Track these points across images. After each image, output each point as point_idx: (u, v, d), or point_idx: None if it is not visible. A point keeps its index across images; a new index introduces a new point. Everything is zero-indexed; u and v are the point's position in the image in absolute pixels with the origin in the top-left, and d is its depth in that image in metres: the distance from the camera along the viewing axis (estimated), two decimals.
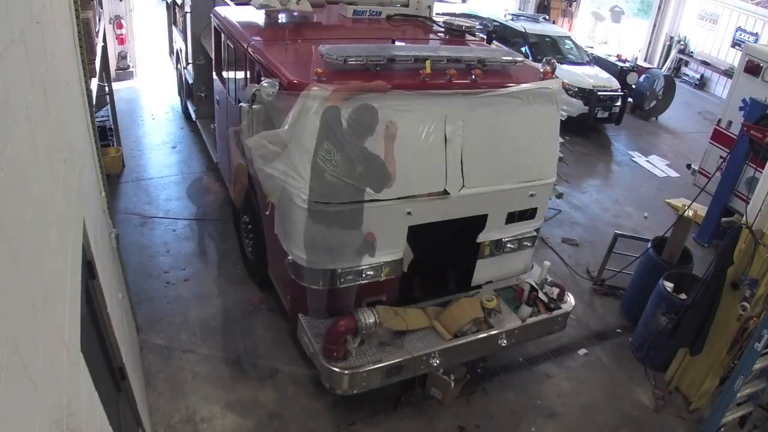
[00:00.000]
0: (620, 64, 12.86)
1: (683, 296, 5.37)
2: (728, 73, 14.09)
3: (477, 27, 6.33)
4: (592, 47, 14.25)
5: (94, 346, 2.55)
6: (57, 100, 2.34)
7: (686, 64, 16.59)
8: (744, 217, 4.76)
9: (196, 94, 8.16)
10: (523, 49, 11.32)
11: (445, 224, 4.59)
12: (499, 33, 11.20)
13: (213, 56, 6.59)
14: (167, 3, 10.21)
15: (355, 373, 4.12)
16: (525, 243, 5.12)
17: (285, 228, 4.45)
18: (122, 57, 11.06)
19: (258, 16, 5.57)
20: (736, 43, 14.80)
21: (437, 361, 4.39)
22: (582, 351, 5.65)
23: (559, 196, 7.53)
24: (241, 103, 4.47)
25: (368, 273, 4.45)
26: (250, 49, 4.94)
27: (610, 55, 13.55)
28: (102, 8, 7.76)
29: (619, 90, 11.29)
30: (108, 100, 7.50)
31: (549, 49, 11.64)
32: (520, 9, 16.90)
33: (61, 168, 2.17)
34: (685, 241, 6.05)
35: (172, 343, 5.08)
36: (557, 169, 5.09)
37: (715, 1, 15.58)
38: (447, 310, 4.63)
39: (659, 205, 8.96)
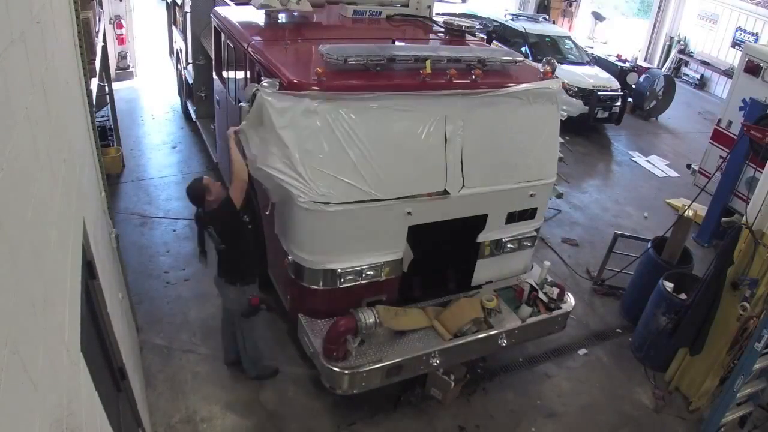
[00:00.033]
0: (620, 64, 12.86)
1: (683, 296, 5.37)
2: (728, 73, 14.09)
3: (477, 27, 6.33)
4: (592, 47, 14.24)
5: (94, 346, 2.55)
6: (57, 100, 2.34)
7: (686, 64, 16.59)
8: (744, 217, 4.76)
9: (196, 94, 8.17)
10: (523, 49, 11.32)
11: (445, 224, 4.59)
12: (499, 33, 11.20)
13: (213, 56, 6.59)
14: (167, 3, 10.21)
15: (355, 373, 4.12)
16: (525, 243, 5.12)
17: (285, 228, 4.45)
18: (122, 57, 11.07)
19: (258, 16, 5.58)
20: (736, 43, 14.80)
21: (437, 361, 4.39)
22: (582, 351, 5.65)
23: (559, 196, 7.53)
24: (241, 103, 4.46)
25: (368, 273, 4.44)
26: (250, 49, 4.94)
27: (610, 55, 13.55)
28: (102, 8, 7.76)
29: (619, 90, 11.29)
30: (108, 100, 7.51)
31: (549, 49, 11.64)
32: (520, 9, 16.91)
33: (61, 168, 2.17)
34: (685, 241, 6.05)
35: (172, 343, 5.08)
36: (557, 169, 5.09)
37: (715, 1, 15.58)
38: (447, 310, 4.63)
39: (659, 205, 8.96)
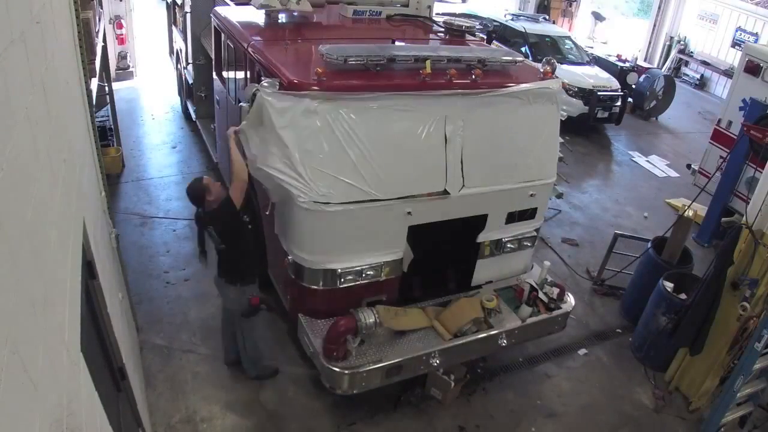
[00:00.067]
0: (620, 64, 12.86)
1: (683, 296, 5.37)
2: (728, 73, 14.09)
3: (477, 27, 6.33)
4: (592, 47, 14.25)
5: (94, 346, 2.55)
6: (57, 100, 2.34)
7: (686, 64, 16.59)
8: (744, 217, 4.76)
9: (196, 94, 8.17)
10: (523, 49, 11.32)
11: (445, 224, 4.59)
12: (499, 33, 11.20)
13: (213, 56, 6.59)
14: (167, 3, 10.22)
15: (355, 373, 4.12)
16: (525, 243, 5.12)
17: (285, 228, 4.45)
18: (122, 57, 11.07)
19: (258, 16, 5.58)
20: (736, 43, 14.80)
21: (437, 361, 4.39)
22: (582, 351, 5.65)
23: (559, 196, 7.53)
24: (241, 103, 4.47)
25: (368, 273, 4.44)
26: (250, 49, 4.94)
27: (610, 55, 13.55)
28: (102, 8, 7.76)
29: (619, 90, 11.29)
30: (108, 100, 7.51)
31: (549, 49, 11.64)
32: (520, 9, 16.91)
33: (61, 168, 2.17)
34: (685, 241, 6.05)
35: (172, 343, 5.08)
36: (557, 169, 5.09)
37: (715, 1, 15.59)
38: (447, 310, 4.64)
39: (659, 205, 8.96)
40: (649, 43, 17.54)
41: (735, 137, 7.52)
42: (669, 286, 5.42)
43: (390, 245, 4.46)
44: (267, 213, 4.72)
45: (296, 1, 5.44)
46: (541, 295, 4.92)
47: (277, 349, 5.10)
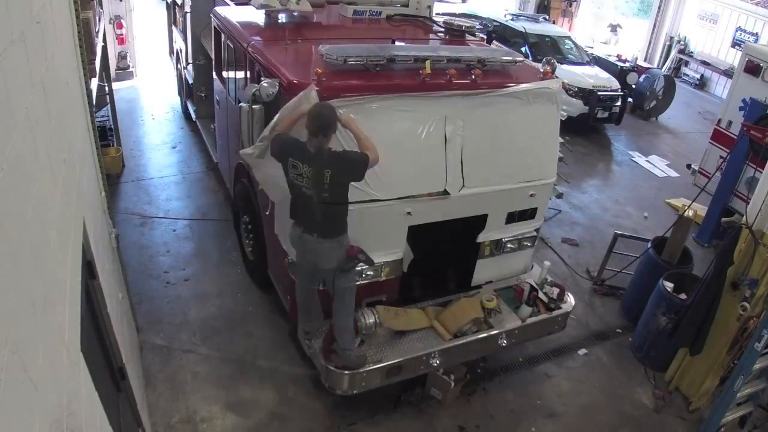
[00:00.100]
0: (620, 64, 12.86)
1: (683, 296, 5.37)
2: (728, 73, 14.09)
3: (477, 27, 6.33)
4: (592, 47, 14.25)
5: (94, 346, 2.55)
6: (57, 100, 2.34)
7: (686, 64, 16.59)
8: (744, 217, 4.76)
9: (196, 94, 8.17)
10: (523, 49, 11.32)
11: (445, 224, 4.59)
12: (499, 33, 11.20)
13: (213, 56, 6.59)
14: (167, 3, 10.21)
15: (355, 373, 4.12)
16: (525, 243, 5.12)
17: (285, 228, 4.45)
18: (122, 57, 11.07)
19: (258, 16, 5.58)
20: (736, 43, 14.80)
21: (437, 361, 4.40)
22: (582, 351, 5.65)
23: (559, 196, 7.51)
24: (241, 103, 4.47)
25: (368, 273, 4.44)
26: (250, 49, 4.94)
27: (610, 55, 13.56)
28: (102, 8, 7.76)
29: (619, 90, 11.29)
30: (108, 100, 7.50)
31: (549, 49, 11.64)
32: (520, 9, 16.91)
33: (61, 168, 2.17)
34: (685, 241, 6.05)
35: (172, 343, 5.08)
36: (557, 169, 5.09)
37: (715, 1, 15.59)
38: (447, 310, 4.64)
39: (659, 205, 8.96)
40: (649, 43, 17.54)
41: (735, 137, 7.51)
42: (669, 286, 5.42)
43: (390, 245, 4.46)
44: (267, 213, 4.73)
45: (296, 1, 5.44)
46: (541, 295, 4.93)
47: (277, 349, 5.10)
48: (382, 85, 4.14)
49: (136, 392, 3.45)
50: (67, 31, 3.24)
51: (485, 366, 5.23)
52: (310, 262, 4.07)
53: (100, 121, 7.23)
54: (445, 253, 5.01)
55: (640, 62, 14.98)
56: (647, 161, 10.61)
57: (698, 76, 16.03)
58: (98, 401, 2.09)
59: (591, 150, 10.84)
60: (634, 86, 12.48)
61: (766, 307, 4.50)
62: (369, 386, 4.25)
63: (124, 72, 11.09)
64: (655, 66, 16.16)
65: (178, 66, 9.50)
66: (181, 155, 8.53)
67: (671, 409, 5.13)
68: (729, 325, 4.76)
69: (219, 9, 6.09)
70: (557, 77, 4.79)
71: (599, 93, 10.92)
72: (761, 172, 5.02)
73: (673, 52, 16.66)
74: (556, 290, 4.98)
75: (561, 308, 4.98)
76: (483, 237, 4.84)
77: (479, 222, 4.77)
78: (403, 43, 5.46)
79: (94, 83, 5.16)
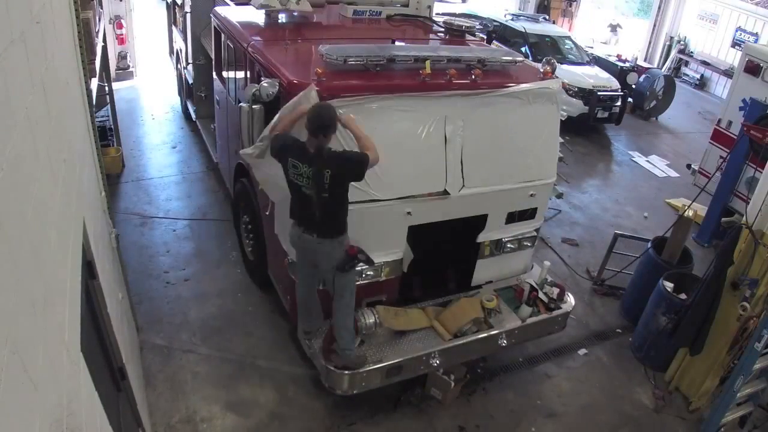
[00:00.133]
0: (620, 64, 12.86)
1: (683, 296, 5.37)
2: (728, 73, 14.09)
3: (477, 27, 6.33)
4: (592, 47, 14.25)
5: (94, 346, 2.55)
6: (57, 100, 2.34)
7: (686, 64, 16.59)
8: (744, 217, 4.76)
9: (196, 94, 8.17)
10: (523, 49, 11.32)
11: (445, 224, 4.59)
12: (499, 33, 11.20)
13: (213, 56, 6.59)
14: (167, 3, 10.21)
15: (355, 373, 4.12)
16: (525, 243, 5.12)
17: (285, 228, 4.45)
18: (122, 57, 11.07)
19: (258, 16, 5.58)
20: (736, 43, 14.80)
21: (437, 361, 4.40)
22: (582, 351, 5.65)
23: (559, 196, 7.50)
24: (241, 103, 4.47)
25: (368, 273, 4.44)
26: (250, 49, 4.94)
27: (610, 55, 13.55)
28: (102, 8, 7.76)
29: (619, 90, 11.29)
30: (108, 100, 7.50)
31: (549, 49, 11.64)
32: (520, 9, 16.91)
33: (61, 168, 2.17)
34: (685, 241, 6.05)
35: (172, 343, 5.08)
36: (557, 169, 5.09)
37: (715, 1, 15.59)
38: (447, 310, 4.64)
39: (659, 205, 8.96)
40: (649, 43, 17.55)
41: (735, 137, 7.51)
42: (669, 286, 5.42)
43: (390, 245, 4.46)
44: (267, 213, 4.73)
45: (296, 1, 5.44)
46: (541, 295, 4.93)
47: (277, 349, 5.10)
48: (382, 85, 4.14)
49: (136, 392, 3.45)
50: (67, 31, 3.24)
51: (485, 366, 5.23)
52: (310, 262, 4.07)
53: (100, 121, 7.23)
54: (445, 253, 5.01)
55: (640, 62, 14.98)
56: (647, 161, 10.61)
57: (698, 76, 16.03)
58: (98, 401, 2.09)
59: (591, 150, 10.84)
60: (634, 86, 12.48)
61: (766, 307, 4.50)
62: (369, 386, 4.25)
63: (124, 72, 11.09)
64: (655, 66, 16.16)
65: (178, 66, 9.50)
66: (181, 155, 8.53)
67: (671, 409, 5.13)
68: (729, 325, 4.76)
69: (219, 9, 6.09)
70: (557, 77, 4.79)
71: (599, 93, 10.92)
72: (761, 172, 5.02)
73: (673, 52, 16.66)
74: (556, 290, 4.98)
75: (561, 308, 4.98)
76: (483, 237, 4.84)
77: (479, 222, 4.77)
78: (403, 43, 5.46)
79: (94, 83, 5.16)
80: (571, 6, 17.97)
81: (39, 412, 1.38)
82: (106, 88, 7.25)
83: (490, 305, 4.68)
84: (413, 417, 4.65)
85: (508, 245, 5.01)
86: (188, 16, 7.76)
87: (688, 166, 9.18)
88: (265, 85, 4.13)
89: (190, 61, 8.14)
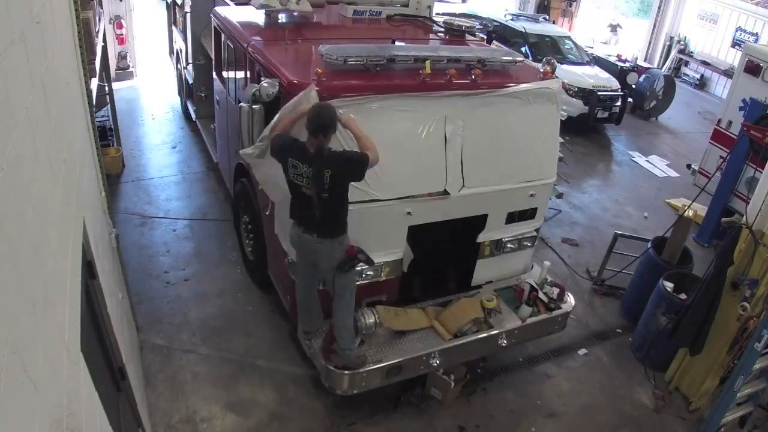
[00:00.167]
0: (620, 64, 12.86)
1: (683, 296, 5.37)
2: (728, 73, 14.09)
3: (477, 27, 6.33)
4: (592, 47, 14.25)
5: (94, 346, 2.55)
6: (57, 100, 2.34)
7: (686, 64, 16.59)
8: (744, 217, 4.76)
9: (196, 94, 8.17)
10: (523, 49, 11.32)
11: (445, 224, 4.59)
12: (499, 33, 11.20)
13: (213, 56, 6.59)
14: (167, 3, 10.21)
15: (355, 373, 4.12)
16: (525, 243, 5.12)
17: (285, 228, 4.45)
18: (122, 57, 11.07)
19: (258, 16, 5.58)
20: (736, 43, 14.80)
21: (437, 361, 4.40)
22: (582, 351, 5.65)
23: (559, 196, 7.50)
24: (241, 103, 4.47)
25: (368, 273, 4.44)
26: (250, 49, 4.94)
27: (610, 55, 13.55)
28: (102, 8, 7.76)
29: (619, 90, 11.29)
30: (108, 100, 7.50)
31: (549, 49, 11.64)
32: (520, 9, 16.91)
33: (61, 168, 2.17)
34: (685, 241, 6.05)
35: (172, 343, 5.08)
36: (557, 169, 5.09)
37: (715, 1, 15.59)
38: (447, 310, 4.64)
39: (659, 205, 8.96)
40: (649, 43, 17.55)
41: (735, 137, 7.51)
42: (669, 286, 5.42)
43: (390, 245, 4.46)
44: (267, 213, 4.73)
45: (296, 1, 5.44)
46: (541, 295, 4.93)
47: (277, 349, 5.10)
48: (382, 85, 4.14)
49: (136, 392, 3.45)
50: (67, 31, 3.24)
51: (485, 366, 5.23)
52: (310, 262, 4.07)
53: (100, 121, 7.23)
54: (445, 253, 5.01)
55: (640, 62, 14.98)
56: (647, 161, 10.61)
57: (698, 76, 16.03)
58: (98, 401, 2.09)
59: (591, 150, 10.84)
60: (634, 86, 12.48)
61: (766, 307, 4.50)
62: (369, 386, 4.24)
63: (124, 72, 11.09)
64: (655, 66, 16.16)
65: (178, 66, 9.50)
66: (181, 155, 8.53)
67: (671, 409, 5.13)
68: (729, 325, 4.76)
69: (219, 9, 6.09)
70: (557, 77, 4.79)
71: (599, 93, 10.92)
72: (761, 172, 5.02)
73: (673, 52, 16.66)
74: (556, 290, 4.98)
75: (561, 308, 4.98)
76: (483, 237, 4.84)
77: (479, 222, 4.77)
78: (403, 43, 5.46)
79: (94, 83, 5.16)
80: (571, 6, 17.97)
81: (39, 412, 1.38)
82: (106, 88, 7.26)
83: (490, 305, 4.68)
84: (413, 417, 4.65)
85: (508, 245, 5.01)
86: (188, 16, 7.77)
87: (688, 166, 9.18)
88: (265, 85, 4.13)
89: (190, 61, 8.14)
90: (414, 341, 4.41)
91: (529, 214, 5.01)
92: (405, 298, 4.77)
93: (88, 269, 2.56)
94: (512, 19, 12.56)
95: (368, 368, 4.15)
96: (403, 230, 4.45)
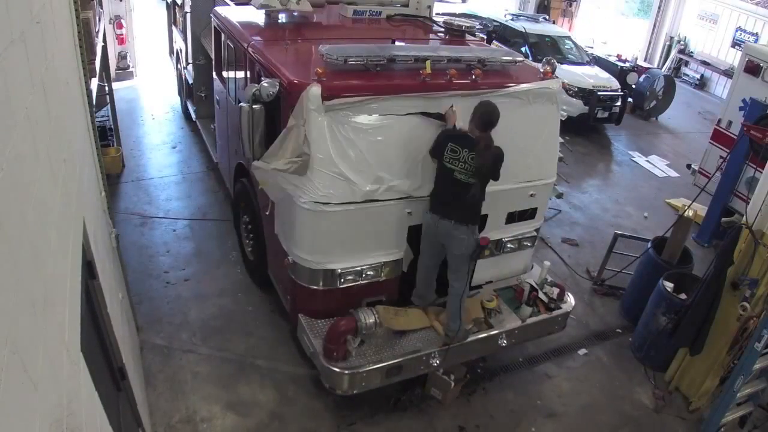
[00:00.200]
0: (620, 64, 12.86)
1: (683, 296, 5.37)
2: (728, 73, 14.09)
3: (477, 27, 6.33)
4: (592, 47, 14.25)
5: (94, 346, 2.55)
6: (57, 100, 2.34)
7: (686, 64, 16.59)
8: (744, 217, 4.76)
9: (196, 94, 8.17)
10: (523, 49, 11.32)
11: None
12: (499, 33, 11.19)
13: (213, 56, 6.59)
14: (167, 3, 10.21)
15: (355, 373, 4.12)
16: (525, 243, 5.12)
17: (285, 228, 4.45)
18: (122, 57, 11.06)
19: (258, 16, 5.58)
20: (736, 43, 14.80)
21: (437, 361, 4.39)
22: (582, 351, 5.65)
23: (559, 196, 7.53)
24: (241, 103, 4.47)
25: (368, 273, 4.45)
26: (250, 49, 4.94)
27: (610, 55, 13.55)
28: (102, 8, 7.76)
29: (619, 90, 11.29)
30: (108, 100, 7.50)
31: (549, 49, 11.64)
32: (520, 9, 16.90)
33: (61, 168, 2.17)
34: (685, 241, 6.05)
35: (172, 343, 5.08)
36: (557, 169, 5.09)
37: (715, 1, 15.58)
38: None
39: (659, 205, 8.96)
40: (649, 43, 17.54)
41: (735, 137, 7.52)
42: (669, 286, 5.42)
43: (390, 245, 4.46)
44: (267, 213, 4.73)
45: (296, 1, 5.44)
46: (541, 295, 4.93)
47: (277, 349, 5.10)
48: (383, 85, 4.14)
49: (136, 392, 3.45)
50: (67, 31, 3.24)
51: (485, 366, 5.23)
52: (440, 245, 4.30)
53: (100, 121, 7.23)
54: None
55: (640, 62, 14.98)
56: (647, 161, 10.61)
57: (698, 76, 16.03)
58: (98, 401, 2.09)
59: (591, 150, 10.84)
60: (634, 86, 12.48)
61: (766, 307, 4.50)
62: (369, 386, 4.24)
63: (124, 72, 11.09)
64: (655, 66, 16.16)
65: (178, 66, 9.50)
66: (181, 155, 8.53)
67: (671, 409, 5.13)
68: (729, 325, 4.76)
69: (219, 9, 6.09)
70: (557, 77, 4.79)
71: (599, 93, 10.92)
72: (761, 172, 5.03)
73: (673, 52, 16.66)
74: (556, 290, 4.98)
75: (561, 308, 4.98)
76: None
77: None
78: (403, 43, 5.46)
79: (94, 83, 5.16)
80: (571, 6, 17.96)
81: (39, 412, 1.38)
82: (106, 88, 7.25)
83: (490, 305, 4.68)
84: (413, 417, 4.65)
85: (508, 245, 5.01)
86: (188, 16, 7.76)
87: (688, 166, 9.18)
88: (266, 85, 4.14)
89: (190, 61, 8.14)
90: (414, 341, 4.42)
91: (529, 214, 5.02)
92: (405, 298, 4.77)
93: (88, 269, 2.56)
94: (512, 19, 12.56)
95: (368, 368, 4.15)
96: (403, 230, 4.45)
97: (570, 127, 7.70)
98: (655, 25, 17.34)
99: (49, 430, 1.44)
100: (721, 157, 7.57)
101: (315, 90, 3.84)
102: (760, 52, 7.74)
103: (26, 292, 1.44)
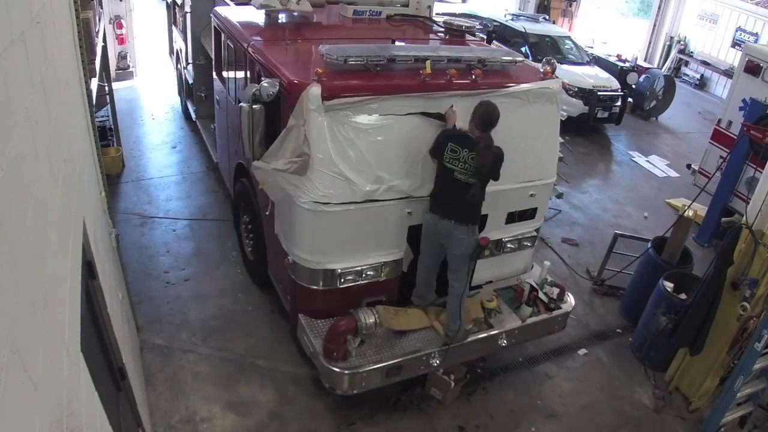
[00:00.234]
0: (620, 64, 12.86)
1: (683, 296, 5.37)
2: (728, 73, 14.09)
3: (477, 27, 6.33)
4: (592, 47, 14.24)
5: (94, 346, 2.55)
6: (57, 100, 2.34)
7: (686, 64, 16.59)
8: (744, 217, 4.76)
9: (196, 94, 8.17)
10: (523, 49, 11.32)
11: None
12: (499, 33, 11.19)
13: (213, 56, 6.59)
14: (167, 3, 10.21)
15: (355, 373, 4.12)
16: (525, 243, 5.12)
17: (285, 228, 4.45)
18: (122, 57, 11.06)
19: (258, 16, 5.58)
20: (736, 43, 14.80)
21: (437, 361, 4.39)
22: (582, 351, 5.65)
23: (559, 196, 7.52)
24: (241, 103, 4.47)
25: (368, 273, 4.44)
26: (250, 49, 4.94)
27: (610, 55, 13.55)
28: (102, 8, 7.76)
29: (619, 90, 11.29)
30: (108, 100, 7.50)
31: (549, 49, 11.64)
32: (520, 9, 16.90)
33: (61, 168, 2.17)
34: (685, 241, 6.05)
35: (172, 343, 5.08)
36: (557, 169, 5.09)
37: (715, 1, 15.58)
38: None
39: (659, 205, 8.96)
40: (649, 43, 17.54)
41: (735, 137, 7.52)
42: (669, 286, 5.42)
43: (390, 245, 4.46)
44: (267, 213, 4.73)
45: (296, 1, 5.44)
46: (541, 295, 4.93)
47: (277, 349, 5.10)
48: (383, 85, 4.14)
49: (136, 392, 3.45)
50: (67, 31, 3.24)
51: (485, 366, 5.23)
52: (440, 245, 4.29)
53: (100, 121, 7.23)
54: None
55: (640, 62, 14.98)
56: (647, 161, 10.61)
57: (698, 76, 16.03)
58: (98, 401, 2.09)
59: (591, 150, 10.84)
60: (634, 86, 12.48)
61: (766, 307, 4.50)
62: (369, 386, 4.24)
63: (124, 72, 11.09)
64: (655, 66, 16.16)
65: (178, 66, 9.50)
66: (181, 155, 8.53)
67: (671, 409, 5.13)
68: (729, 325, 4.76)
69: (219, 9, 6.09)
70: (557, 77, 4.79)
71: (599, 93, 10.92)
72: (761, 172, 5.03)
73: (673, 52, 16.66)
74: (556, 290, 4.98)
75: (561, 308, 4.98)
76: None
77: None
78: (403, 43, 5.46)
79: (94, 83, 5.16)
80: (571, 6, 17.96)
81: (39, 412, 1.38)
82: (106, 88, 7.25)
83: (490, 305, 4.68)
84: (413, 417, 4.65)
85: (508, 245, 5.01)
86: (188, 16, 7.76)
87: (688, 166, 9.18)
88: (266, 85, 4.14)
89: (190, 61, 8.14)
90: (414, 341, 4.42)
91: (529, 214, 5.02)
92: (405, 298, 4.77)
93: (88, 269, 2.56)
94: (512, 19, 12.56)
95: (368, 368, 4.15)
96: (403, 230, 4.45)
97: (570, 127, 7.70)
98: (655, 25, 17.34)
99: (49, 430, 1.44)
100: (721, 157, 7.57)
101: (315, 90, 3.84)
102: (760, 52, 7.74)
103: (26, 292, 1.44)
